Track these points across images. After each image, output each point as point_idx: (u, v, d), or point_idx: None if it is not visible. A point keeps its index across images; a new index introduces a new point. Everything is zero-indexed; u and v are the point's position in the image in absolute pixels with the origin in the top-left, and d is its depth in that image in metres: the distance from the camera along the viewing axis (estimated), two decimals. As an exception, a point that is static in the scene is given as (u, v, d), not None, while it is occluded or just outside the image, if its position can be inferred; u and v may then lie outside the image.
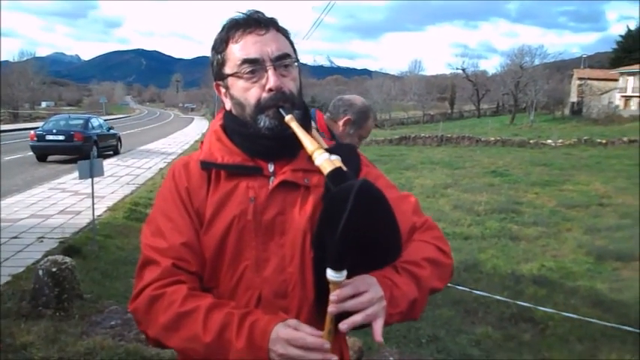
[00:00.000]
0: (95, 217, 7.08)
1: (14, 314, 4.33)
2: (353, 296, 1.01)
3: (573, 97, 51.70)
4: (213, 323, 1.06)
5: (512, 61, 57.17)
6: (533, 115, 47.28)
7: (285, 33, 1.24)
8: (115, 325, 4.20)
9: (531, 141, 27.82)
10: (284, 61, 1.20)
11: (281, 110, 1.17)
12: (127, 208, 9.24)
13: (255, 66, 1.18)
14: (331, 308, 1.00)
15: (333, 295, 1.00)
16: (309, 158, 1.15)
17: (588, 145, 25.89)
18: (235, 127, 1.25)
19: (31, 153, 16.73)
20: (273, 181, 1.20)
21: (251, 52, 1.18)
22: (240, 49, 1.19)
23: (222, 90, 1.27)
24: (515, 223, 9.73)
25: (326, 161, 1.10)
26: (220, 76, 1.25)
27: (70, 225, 7.88)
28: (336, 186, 1.05)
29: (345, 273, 1.00)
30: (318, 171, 1.14)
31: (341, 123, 2.61)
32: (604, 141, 26.45)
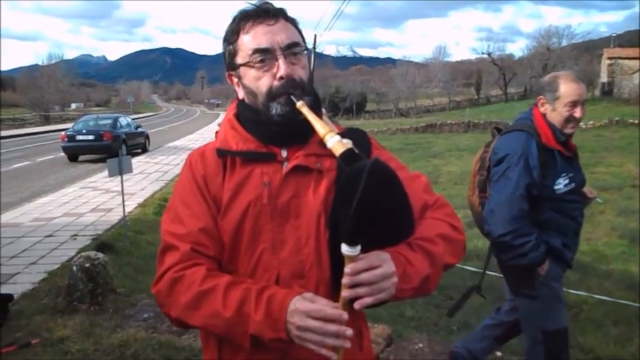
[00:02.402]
0: (126, 213, 7.20)
1: (51, 310, 4.44)
2: (366, 270, 1.04)
3: (603, 78, 50.34)
4: (232, 299, 1.11)
5: (538, 43, 56.12)
6: (563, 97, 46.29)
7: (293, 22, 1.28)
8: (147, 318, 4.28)
9: (561, 124, 27.27)
10: (294, 49, 1.24)
11: (292, 97, 1.21)
12: (157, 203, 9.37)
13: (265, 55, 1.22)
14: (345, 280, 1.03)
15: (348, 268, 1.03)
16: (321, 143, 1.18)
17: (620, 126, 25.21)
18: (248, 115, 1.29)
19: (63, 154, 17.10)
20: (287, 166, 1.24)
21: (262, 42, 1.22)
22: (251, 39, 1.23)
23: (235, 80, 1.31)
24: (546, 207, 9.56)
25: (338, 143, 1.13)
26: (232, 66, 1.29)
27: (102, 222, 8.04)
28: (349, 166, 1.07)
29: (359, 248, 1.03)
30: (330, 155, 1.17)
31: (542, 109, 2.70)
32: (636, 121, 25.72)
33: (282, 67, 1.21)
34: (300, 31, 1.29)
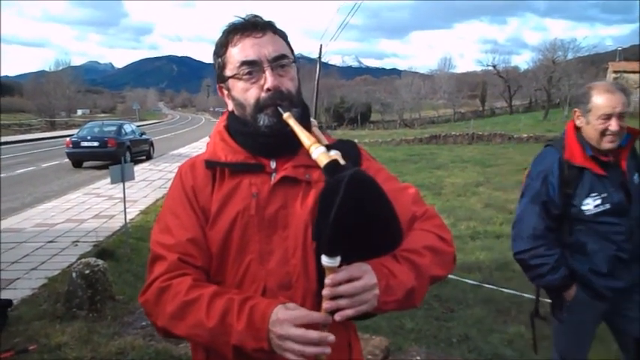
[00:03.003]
0: (128, 220, 7.21)
1: (49, 316, 4.44)
2: (347, 282, 1.04)
3: (609, 91, 50.25)
4: (215, 309, 1.11)
5: (544, 55, 56.12)
6: (568, 110, 46.25)
7: (282, 35, 1.30)
8: (145, 326, 4.26)
9: (565, 137, 27.19)
10: (281, 61, 1.24)
11: (279, 109, 1.22)
12: (159, 211, 9.34)
13: (253, 67, 1.23)
14: (325, 291, 1.03)
15: (328, 279, 1.03)
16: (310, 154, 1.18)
17: (625, 140, 25.16)
18: (237, 126, 1.30)
19: (67, 160, 17.16)
20: (275, 177, 1.25)
21: (249, 54, 1.23)
22: (238, 52, 1.25)
23: (225, 92, 1.33)
24: (548, 221, 9.51)
25: (322, 154, 1.13)
26: (222, 79, 1.31)
27: (103, 229, 8.05)
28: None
29: (338, 259, 1.02)
30: (319, 166, 1.16)
31: (577, 122, 2.46)
32: (642, 135, 25.67)
33: (268, 79, 1.22)
34: (289, 44, 1.31)
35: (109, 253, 6.34)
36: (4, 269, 5.89)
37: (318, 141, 1.24)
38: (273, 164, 1.27)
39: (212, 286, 1.17)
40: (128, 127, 19.22)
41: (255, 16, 1.28)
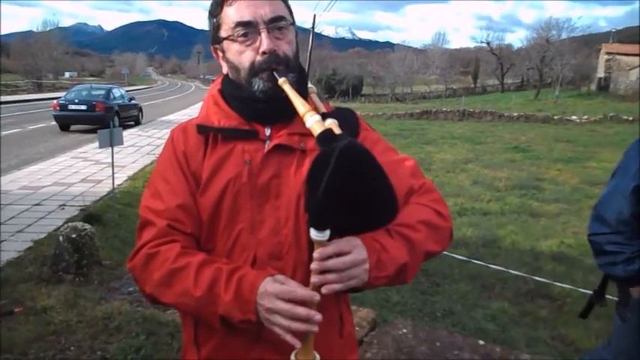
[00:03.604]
0: (115, 185, 7.16)
1: (35, 278, 4.43)
2: (336, 256, 1.01)
3: (600, 73, 50.32)
4: (203, 278, 1.09)
5: (538, 34, 55.83)
6: (559, 90, 46.33)
7: None
8: (132, 292, 4.27)
9: (555, 117, 27.25)
10: (278, 23, 1.19)
11: (275, 73, 1.17)
12: (147, 177, 9.27)
13: (248, 29, 1.18)
14: (313, 265, 1.01)
15: (316, 253, 1.00)
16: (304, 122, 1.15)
17: (614, 122, 25.28)
18: (232, 90, 1.26)
19: (54, 122, 16.94)
20: (269, 145, 1.21)
21: (245, 15, 1.17)
22: (234, 12, 1.19)
23: (220, 54, 1.27)
24: (535, 200, 9.59)
25: (316, 123, 1.09)
26: (216, 40, 1.25)
27: (90, 193, 7.99)
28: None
29: (327, 233, 0.99)
30: (310, 135, 1.13)
31: None
32: (631, 118, 25.79)
33: (264, 42, 1.16)
34: (288, 6, 1.25)
35: (96, 218, 6.30)
36: (-10, 231, 5.85)
37: (315, 109, 1.21)
38: (267, 131, 1.22)
39: (200, 254, 1.15)
40: (117, 92, 18.96)
41: None
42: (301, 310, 1.00)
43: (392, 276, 1.09)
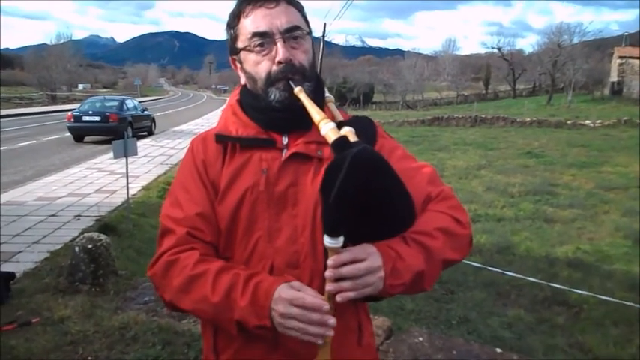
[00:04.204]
0: (130, 196, 7.21)
1: (52, 289, 4.46)
2: (350, 263, 1.01)
3: (613, 77, 49.85)
4: (220, 284, 1.11)
5: (549, 39, 55.58)
6: (571, 95, 45.98)
7: (297, 6, 1.25)
8: (148, 301, 4.28)
9: (568, 122, 27.06)
10: (293, 33, 1.20)
11: (290, 82, 1.18)
12: (161, 187, 9.38)
13: (264, 39, 1.19)
14: (328, 273, 1.01)
15: (330, 260, 1.01)
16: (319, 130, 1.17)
17: (628, 126, 25.02)
18: (249, 100, 1.27)
19: (69, 134, 17.11)
20: (286, 153, 1.22)
21: (260, 26, 1.19)
22: (250, 23, 1.21)
23: (238, 65, 1.29)
24: (550, 206, 9.53)
25: (331, 131, 1.10)
26: (234, 51, 1.27)
27: (105, 204, 8.05)
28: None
29: (341, 240, 1.00)
30: (326, 144, 1.14)
31: None
32: (645, 122, 25.55)
33: (280, 52, 1.18)
34: (304, 16, 1.26)
35: (111, 228, 6.35)
36: (7, 242, 5.91)
37: (332, 117, 1.22)
38: (285, 140, 1.23)
39: (219, 261, 1.17)
40: (130, 103, 19.12)
41: None
42: (314, 315, 1.01)
43: (408, 284, 1.08)
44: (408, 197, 1.08)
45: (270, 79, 1.20)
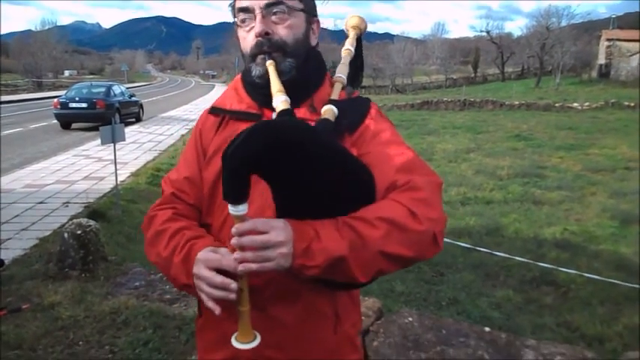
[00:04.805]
0: (118, 182, 7.18)
1: (42, 275, 4.45)
2: (250, 233, 0.99)
3: (601, 59, 50.00)
4: (172, 242, 1.19)
5: (537, 22, 55.56)
6: (560, 77, 46.11)
7: None
8: (138, 286, 4.28)
9: (557, 104, 27.14)
10: (273, 7, 1.20)
11: (266, 57, 1.21)
12: (150, 173, 9.35)
13: (247, 14, 1.22)
14: (233, 240, 1.00)
15: (234, 228, 1.00)
16: (312, 107, 1.21)
17: (616, 108, 25.16)
18: (244, 76, 1.32)
19: (55, 121, 16.94)
20: None
21: (244, 1, 1.22)
22: (239, 0, 1.24)
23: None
24: (538, 188, 9.60)
25: (281, 102, 1.15)
26: (235, 27, 1.30)
27: (94, 190, 8.01)
28: None
29: (242, 207, 0.99)
30: (315, 120, 1.17)
31: None
32: (632, 104, 25.63)
33: (256, 26, 1.20)
34: None
35: (100, 215, 6.33)
36: (-5, 229, 5.87)
37: (326, 96, 1.25)
38: (274, 116, 1.23)
39: (183, 222, 1.24)
40: (117, 89, 18.95)
41: None
42: (217, 278, 1.04)
43: (323, 267, 1.00)
44: (345, 179, 1.05)
45: (251, 54, 1.24)
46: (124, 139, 7.10)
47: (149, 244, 1.26)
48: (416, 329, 3.23)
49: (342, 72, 1.34)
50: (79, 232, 4.51)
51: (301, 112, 1.22)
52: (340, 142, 1.17)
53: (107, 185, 8.30)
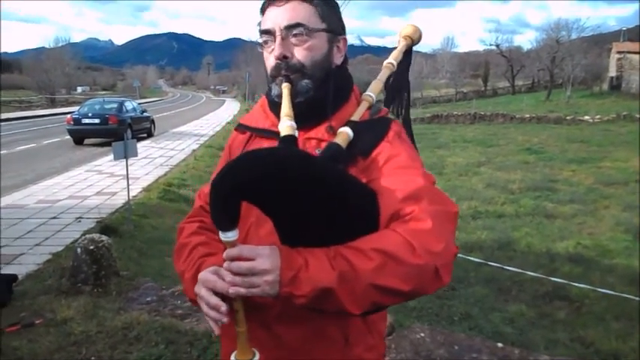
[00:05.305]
0: (130, 197, 7.22)
1: (55, 291, 4.47)
2: (236, 259, 1.00)
3: (612, 72, 49.75)
4: (191, 256, 1.24)
5: (547, 35, 55.49)
6: (570, 90, 45.93)
7: (315, 3, 1.24)
8: (150, 302, 4.30)
9: (568, 117, 27.08)
10: (293, 30, 1.21)
11: (283, 79, 1.22)
12: (161, 188, 9.39)
13: (269, 36, 1.24)
14: (225, 264, 1.02)
15: (224, 253, 1.01)
16: (330, 128, 1.21)
17: (627, 121, 25.04)
18: (267, 94, 1.34)
19: (69, 137, 17.11)
20: None
21: (266, 24, 1.24)
22: (262, 21, 1.27)
23: None
24: (550, 201, 9.54)
25: (286, 127, 1.16)
26: (260, 47, 1.32)
27: (106, 205, 8.06)
28: None
29: (231, 234, 0.99)
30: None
31: None
32: (645, 116, 25.54)
33: (276, 48, 1.22)
34: (320, 12, 1.24)
35: (112, 230, 6.36)
36: (9, 245, 5.92)
37: (348, 116, 1.23)
38: (296, 134, 1.21)
39: (203, 236, 1.29)
40: (129, 105, 19.12)
41: None
42: (212, 300, 1.05)
43: (311, 298, 0.98)
44: (347, 209, 1.04)
45: (271, 75, 1.26)
46: (136, 155, 7.15)
47: (174, 256, 1.31)
48: (428, 345, 3.21)
49: (373, 90, 1.32)
50: (91, 247, 4.54)
51: (319, 133, 1.23)
52: (351, 166, 1.15)
53: (119, 200, 8.34)
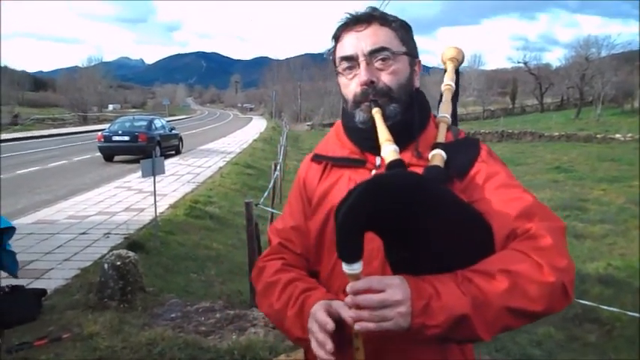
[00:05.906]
0: (157, 214, 7.31)
1: (82, 305, 4.54)
2: (365, 292, 0.95)
3: (644, 89, 49.01)
4: (285, 294, 1.19)
5: (577, 52, 54.94)
6: (601, 108, 45.26)
7: (391, 25, 1.23)
8: (175, 318, 4.33)
9: (598, 135, 26.65)
10: (378, 54, 1.20)
11: (371, 104, 1.20)
12: (188, 205, 9.49)
13: (351, 62, 1.23)
14: (347, 299, 0.97)
15: (348, 286, 0.97)
16: (417, 152, 1.19)
17: (660, 140, 24.50)
18: (345, 121, 1.31)
19: (99, 154, 17.48)
20: (372, 175, 1.21)
21: (347, 50, 1.23)
22: (340, 47, 1.25)
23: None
24: (580, 221, 9.36)
25: (391, 152, 1.12)
26: (336, 74, 1.30)
27: (134, 221, 8.18)
28: None
29: (356, 266, 0.95)
30: (422, 166, 1.15)
31: None
32: (678, 134, 24.95)
33: (361, 74, 1.20)
34: (401, 35, 1.24)
35: (139, 246, 6.44)
36: (39, 259, 6.05)
37: (432, 138, 1.22)
38: (378, 160, 1.22)
39: (294, 272, 1.24)
40: (158, 122, 19.46)
41: (374, 8, 1.25)
42: (320, 336, 1.02)
43: (446, 327, 0.94)
44: (464, 229, 1.00)
45: (356, 101, 1.23)
46: (163, 172, 7.26)
47: (261, 296, 1.26)
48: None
49: (445, 111, 1.32)
50: (118, 263, 4.61)
51: (406, 157, 1.19)
52: (451, 189, 1.11)
53: (147, 217, 8.46)
